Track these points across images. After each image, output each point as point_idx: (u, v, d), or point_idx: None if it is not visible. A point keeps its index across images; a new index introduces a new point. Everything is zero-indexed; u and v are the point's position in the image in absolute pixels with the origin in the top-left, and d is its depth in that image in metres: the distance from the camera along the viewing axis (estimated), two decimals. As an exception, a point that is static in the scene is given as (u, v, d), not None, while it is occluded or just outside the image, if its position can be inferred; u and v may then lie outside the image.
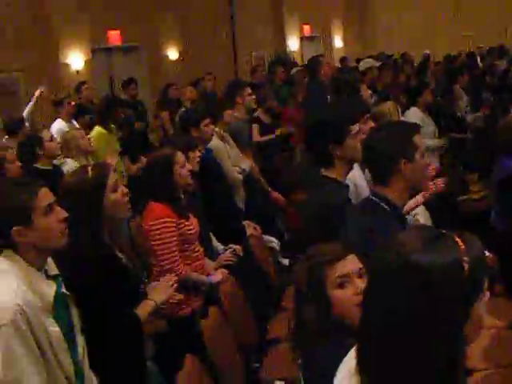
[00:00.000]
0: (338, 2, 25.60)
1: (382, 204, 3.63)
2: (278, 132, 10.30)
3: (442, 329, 1.87)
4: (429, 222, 5.58)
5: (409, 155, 3.57)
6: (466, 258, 1.87)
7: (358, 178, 4.57)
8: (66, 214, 3.29)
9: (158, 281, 4.60)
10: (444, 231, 1.96)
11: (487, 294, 1.96)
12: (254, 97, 8.83)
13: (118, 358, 3.79)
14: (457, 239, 1.91)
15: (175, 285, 4.15)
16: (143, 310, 3.92)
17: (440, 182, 5.33)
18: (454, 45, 22.32)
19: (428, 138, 8.02)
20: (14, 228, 3.12)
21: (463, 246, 1.89)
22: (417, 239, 1.91)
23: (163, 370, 4.54)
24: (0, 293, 3.08)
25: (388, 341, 1.90)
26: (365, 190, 4.58)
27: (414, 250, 1.87)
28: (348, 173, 4.41)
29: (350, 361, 2.08)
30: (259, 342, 5.43)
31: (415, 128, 3.77)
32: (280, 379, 4.67)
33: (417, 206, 5.23)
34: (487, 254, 2.33)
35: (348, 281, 2.87)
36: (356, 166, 4.60)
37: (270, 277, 6.37)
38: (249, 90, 8.73)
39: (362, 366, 1.99)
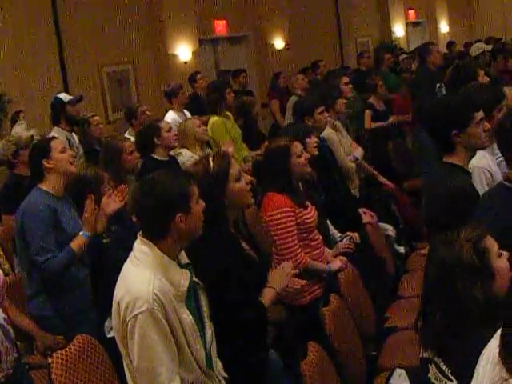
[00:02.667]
0: (443, -14, 25.14)
1: None
2: (390, 119, 10.23)
3: None
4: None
5: None
6: None
7: (492, 166, 4.50)
8: (204, 205, 3.39)
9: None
10: None
11: None
12: (350, 86, 8.74)
13: (242, 345, 3.84)
14: None
15: (293, 271, 4.17)
16: (266, 298, 3.97)
17: None
18: None
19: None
20: (178, 214, 3.22)
21: None
22: None
23: (283, 357, 4.57)
24: (137, 281, 3.18)
25: None
26: (500, 177, 4.52)
27: None
28: (469, 160, 4.37)
29: (493, 348, 2.05)
30: (377, 330, 5.42)
31: None
32: (399, 367, 4.64)
33: None
34: None
35: (502, 253, 2.90)
36: (486, 153, 4.54)
37: (386, 265, 6.33)
38: (346, 79, 8.64)
39: (506, 353, 1.96)
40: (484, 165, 4.53)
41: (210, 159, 4.01)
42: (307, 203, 5.11)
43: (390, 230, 7.07)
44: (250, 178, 4.12)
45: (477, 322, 2.75)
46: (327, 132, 7.10)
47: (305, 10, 17.55)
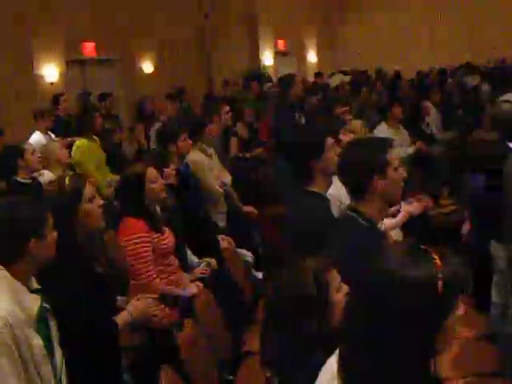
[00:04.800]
0: (313, 17, 25.67)
1: (358, 219, 3.65)
2: (257, 151, 10.42)
3: (417, 339, 1.96)
4: (399, 237, 5.62)
5: (381, 171, 3.58)
6: (440, 274, 1.95)
7: (342, 196, 4.60)
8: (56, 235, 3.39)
9: (136, 294, 4.67)
10: (422, 247, 2.03)
11: (461, 307, 2.04)
12: (230, 114, 8.85)
13: (93, 370, 3.84)
14: (434, 255, 1.99)
15: (153, 306, 4.29)
16: (120, 318, 4.05)
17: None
18: (426, 61, 22.53)
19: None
20: (32, 240, 3.21)
21: (439, 262, 1.98)
22: (397, 254, 1.98)
23: (139, 382, 4.57)
24: None
25: (368, 347, 1.98)
26: None
27: (394, 264, 1.95)
28: (329, 186, 4.51)
29: (333, 363, 2.15)
30: (233, 355, 5.47)
31: (387, 143, 3.76)
32: (254, 391, 4.69)
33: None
34: None
35: (341, 287, 2.95)
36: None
37: (243, 290, 6.40)
38: (227, 108, 8.76)
39: (342, 369, 2.06)
40: (335, 193, 4.66)
41: (66, 179, 4.07)
42: (164, 228, 5.14)
43: (248, 255, 7.17)
44: (101, 201, 4.15)
45: (312, 348, 2.83)
46: (194, 157, 7.17)
47: (174, 36, 17.57)
